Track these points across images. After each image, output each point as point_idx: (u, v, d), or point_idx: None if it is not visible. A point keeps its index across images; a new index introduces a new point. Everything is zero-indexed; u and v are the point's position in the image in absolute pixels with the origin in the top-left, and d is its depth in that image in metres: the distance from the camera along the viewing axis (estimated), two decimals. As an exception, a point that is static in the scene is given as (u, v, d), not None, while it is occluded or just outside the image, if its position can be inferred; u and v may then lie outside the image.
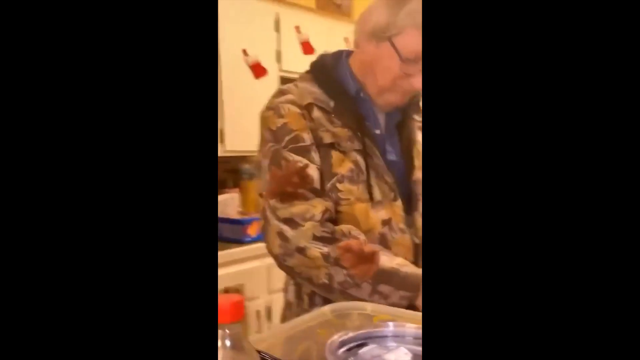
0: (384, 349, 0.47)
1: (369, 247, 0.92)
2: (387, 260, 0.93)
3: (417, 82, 0.99)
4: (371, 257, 0.91)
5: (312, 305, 1.03)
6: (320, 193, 0.97)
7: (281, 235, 0.95)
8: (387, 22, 0.96)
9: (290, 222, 0.95)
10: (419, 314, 0.76)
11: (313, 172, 0.97)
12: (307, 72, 1.10)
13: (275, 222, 0.96)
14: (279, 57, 2.79)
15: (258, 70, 2.66)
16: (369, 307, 0.81)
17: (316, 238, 0.94)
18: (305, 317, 0.79)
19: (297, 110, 1.01)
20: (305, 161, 0.97)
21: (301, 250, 0.94)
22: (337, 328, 0.79)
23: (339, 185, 0.99)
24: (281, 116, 1.01)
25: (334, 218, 0.98)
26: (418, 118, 1.15)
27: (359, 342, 0.49)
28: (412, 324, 0.55)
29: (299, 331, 0.76)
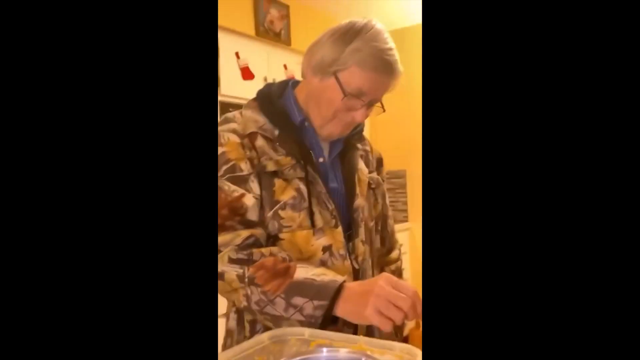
0: (318, 375, 0.47)
1: (283, 263, 0.92)
2: (304, 271, 0.91)
3: (358, 116, 1.02)
4: (284, 272, 0.91)
5: (253, 332, 1.02)
6: (251, 224, 0.97)
7: None
8: (332, 58, 0.98)
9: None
10: (357, 338, 0.77)
11: (248, 201, 0.97)
12: (254, 99, 1.11)
13: None
14: (217, 82, 2.78)
15: (246, 73, 2.67)
16: (307, 332, 0.81)
17: (232, 261, 0.92)
18: (244, 344, 0.78)
19: (237, 140, 1.01)
20: (241, 191, 0.97)
21: (221, 276, 0.92)
22: (275, 355, 0.78)
23: (281, 213, 0.99)
24: (221, 145, 1.01)
25: (262, 244, 0.96)
26: (360, 146, 1.18)
27: (295, 370, 0.49)
28: (345, 349, 0.55)
29: (238, 358, 0.75)
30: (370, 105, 1.03)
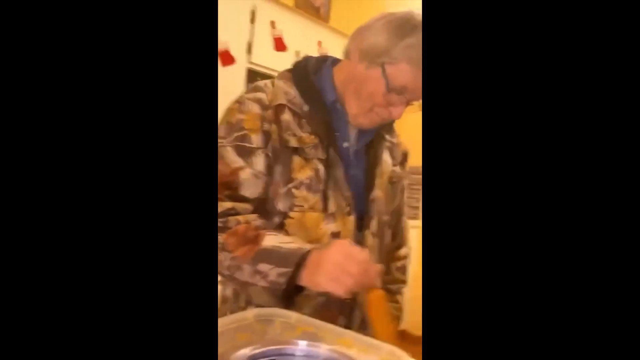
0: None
1: (253, 230, 0.90)
2: (273, 239, 0.90)
3: (396, 112, 0.99)
4: (254, 239, 0.89)
5: (248, 305, 1.01)
6: (240, 198, 0.95)
7: None
8: (384, 49, 0.95)
9: None
10: (344, 331, 0.74)
11: (245, 176, 0.95)
12: (288, 70, 1.08)
13: None
14: (249, 48, 2.75)
15: (226, 58, 2.61)
16: (294, 316, 0.78)
17: None
18: (227, 318, 0.76)
19: (258, 111, 0.99)
20: (241, 163, 0.95)
21: None
22: (257, 334, 0.76)
23: (295, 191, 0.97)
24: (241, 111, 0.99)
25: (234, 217, 0.94)
26: (389, 137, 1.15)
27: (268, 359, 0.46)
28: (326, 346, 0.52)
29: (219, 332, 0.72)
30: (409, 103, 1.00)
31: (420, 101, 1.01)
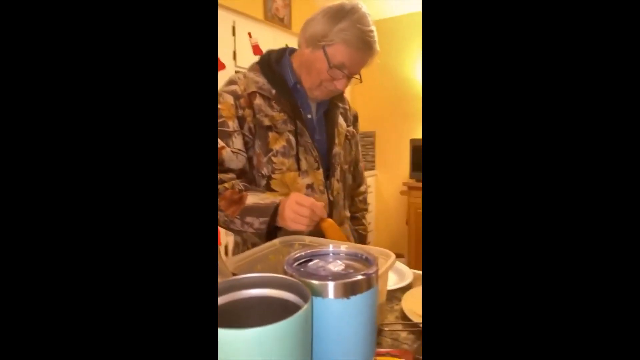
0: (325, 262, 0.50)
1: (237, 193, 0.93)
2: (253, 198, 0.92)
3: (339, 84, 0.98)
4: (238, 200, 0.92)
5: (253, 245, 1.03)
6: (228, 171, 0.95)
7: None
8: (322, 34, 0.93)
9: None
10: (346, 243, 0.78)
11: (227, 154, 0.95)
12: (256, 63, 1.06)
13: None
14: (234, 55, 2.72)
15: (218, 65, 2.57)
16: (307, 239, 0.83)
17: None
18: (261, 247, 0.80)
19: (231, 100, 0.96)
20: (222, 144, 0.95)
21: None
22: (284, 254, 0.80)
23: (273, 159, 0.98)
24: (219, 102, 0.97)
25: (222, 185, 0.94)
26: (341, 105, 1.14)
27: (307, 258, 0.51)
28: (345, 244, 0.58)
29: (256, 257, 0.77)
30: (350, 76, 0.98)
31: (359, 75, 0.99)
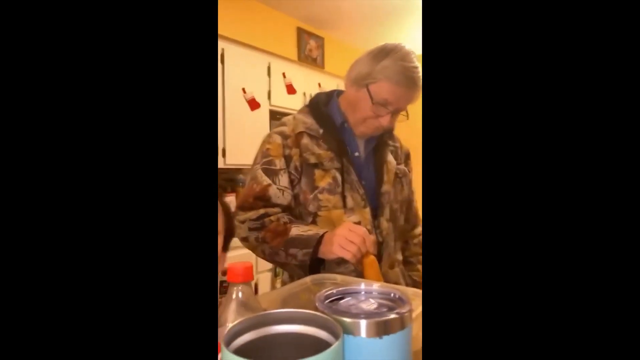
0: (357, 300, 0.49)
1: (282, 226, 0.94)
2: (296, 230, 0.92)
3: (383, 121, 0.99)
4: (283, 232, 0.93)
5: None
6: (275, 206, 0.98)
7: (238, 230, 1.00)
8: (366, 73, 0.96)
9: (240, 222, 0.98)
10: (374, 282, 0.78)
11: (273, 191, 0.98)
12: (306, 105, 1.09)
13: (237, 223, 0.99)
14: (269, 95, 2.81)
15: (253, 104, 2.67)
16: (339, 278, 0.82)
17: (250, 229, 0.96)
18: (292, 285, 0.80)
19: (279, 141, 1.00)
20: (268, 181, 0.98)
21: (245, 239, 0.97)
22: (315, 293, 0.80)
23: (319, 196, 0.99)
24: (269, 142, 1.01)
25: (268, 218, 0.96)
26: (391, 143, 1.14)
27: (339, 296, 0.51)
28: (377, 283, 0.57)
29: (287, 295, 0.77)
30: (395, 113, 0.99)
31: (406, 111, 1.01)
